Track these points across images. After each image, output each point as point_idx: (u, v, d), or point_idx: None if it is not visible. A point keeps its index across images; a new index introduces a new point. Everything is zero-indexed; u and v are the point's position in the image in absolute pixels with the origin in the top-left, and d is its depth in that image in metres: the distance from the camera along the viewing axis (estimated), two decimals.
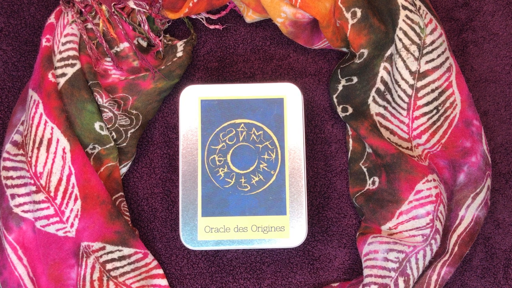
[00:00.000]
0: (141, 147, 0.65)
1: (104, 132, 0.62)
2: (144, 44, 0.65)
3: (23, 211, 0.61)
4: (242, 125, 0.62)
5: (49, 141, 0.61)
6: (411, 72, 0.62)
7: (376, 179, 0.63)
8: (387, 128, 0.64)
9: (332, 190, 0.65)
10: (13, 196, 0.61)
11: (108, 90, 0.63)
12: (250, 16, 0.65)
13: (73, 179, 0.61)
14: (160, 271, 0.63)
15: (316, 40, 0.65)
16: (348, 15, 0.61)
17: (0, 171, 0.62)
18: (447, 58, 0.62)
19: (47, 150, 0.60)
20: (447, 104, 0.63)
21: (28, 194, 0.61)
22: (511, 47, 0.67)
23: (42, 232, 0.60)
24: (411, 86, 0.62)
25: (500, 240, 0.64)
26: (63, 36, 0.62)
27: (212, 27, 0.66)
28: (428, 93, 0.62)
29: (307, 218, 0.61)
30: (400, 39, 0.61)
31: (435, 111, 0.62)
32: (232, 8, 0.66)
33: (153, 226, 0.64)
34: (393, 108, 0.63)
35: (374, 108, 0.64)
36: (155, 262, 0.63)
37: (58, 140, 0.61)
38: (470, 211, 0.62)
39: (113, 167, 0.63)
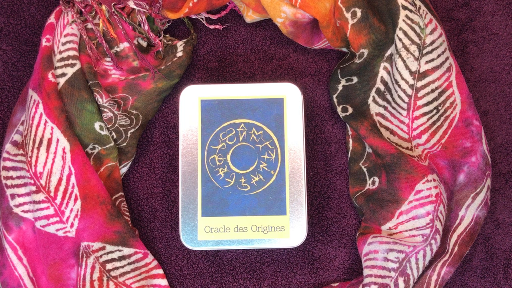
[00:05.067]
0: (141, 147, 0.65)
1: (104, 132, 0.62)
2: (144, 44, 0.65)
3: (23, 211, 0.61)
4: (242, 125, 0.62)
5: (49, 141, 0.61)
6: (411, 72, 0.62)
7: (376, 179, 0.63)
8: (387, 128, 0.64)
9: (332, 190, 0.65)
10: (13, 196, 0.61)
11: (108, 90, 0.63)
12: (250, 16, 0.65)
13: (73, 179, 0.61)
14: (160, 271, 0.63)
15: (316, 40, 0.65)
16: (348, 15, 0.61)
17: (0, 171, 0.62)
18: (447, 58, 0.62)
19: (47, 150, 0.60)
20: (447, 104, 0.63)
21: (28, 194, 0.61)
22: (511, 47, 0.67)
23: (42, 232, 0.60)
24: (411, 86, 0.62)
25: (500, 240, 0.64)
26: (63, 36, 0.62)
27: (212, 27, 0.66)
28: (428, 93, 0.62)
29: (307, 218, 0.61)
30: (400, 39, 0.61)
31: (435, 111, 0.62)
32: (232, 8, 0.66)
33: (153, 226, 0.64)
34: (393, 108, 0.63)
35: (374, 108, 0.64)
36: (155, 262, 0.63)
37: (58, 140, 0.61)
38: (470, 211, 0.62)
39: (113, 167, 0.63)
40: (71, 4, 0.63)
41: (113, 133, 0.63)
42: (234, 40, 0.67)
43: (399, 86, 0.62)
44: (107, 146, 0.63)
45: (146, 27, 0.64)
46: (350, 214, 0.65)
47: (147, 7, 0.63)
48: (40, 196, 0.60)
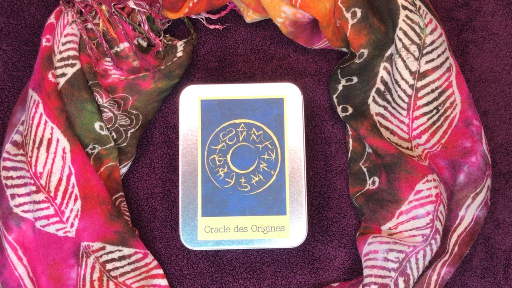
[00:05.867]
0: (141, 147, 0.65)
1: (104, 132, 0.62)
2: (144, 44, 0.65)
3: (23, 211, 0.61)
4: (242, 125, 0.62)
5: (49, 141, 0.61)
6: (411, 72, 0.62)
7: (376, 179, 0.63)
8: (387, 128, 0.64)
9: (332, 190, 0.65)
10: (13, 196, 0.61)
11: (108, 90, 0.63)
12: (250, 16, 0.65)
13: (73, 179, 0.61)
14: (160, 271, 0.63)
15: (316, 40, 0.65)
16: (348, 15, 0.61)
17: (0, 171, 0.62)
18: (447, 58, 0.62)
19: (47, 150, 0.60)
20: (447, 104, 0.63)
21: (28, 194, 0.61)
22: (511, 47, 0.67)
23: (42, 232, 0.60)
24: (411, 86, 0.62)
25: (500, 240, 0.64)
26: (63, 36, 0.62)
27: (212, 27, 0.66)
28: (428, 93, 0.62)
29: (307, 218, 0.61)
30: (400, 39, 0.61)
31: (435, 111, 0.62)
32: (232, 8, 0.66)
33: (153, 226, 0.64)
34: (393, 108, 0.63)
35: (374, 108, 0.64)
36: (155, 262, 0.63)
37: (58, 140, 0.61)
38: (470, 211, 0.62)
39: (113, 167, 0.63)
40: (71, 4, 0.63)
41: (113, 133, 0.63)
42: (234, 40, 0.67)
43: (399, 86, 0.62)
44: (107, 146, 0.63)
45: (146, 27, 0.64)
46: (350, 214, 0.65)
47: (147, 7, 0.63)
48: (40, 196, 0.60)
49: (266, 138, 0.62)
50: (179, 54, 0.64)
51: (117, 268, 0.61)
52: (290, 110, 0.62)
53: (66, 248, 0.61)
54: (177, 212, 0.65)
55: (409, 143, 0.63)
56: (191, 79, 0.66)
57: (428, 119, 0.62)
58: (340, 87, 0.65)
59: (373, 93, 0.64)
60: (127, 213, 0.63)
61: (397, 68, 0.62)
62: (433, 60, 0.62)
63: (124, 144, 0.64)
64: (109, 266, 0.61)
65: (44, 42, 0.62)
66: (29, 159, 0.61)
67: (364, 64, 0.63)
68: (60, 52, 0.62)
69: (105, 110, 0.62)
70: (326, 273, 0.64)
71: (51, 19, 0.63)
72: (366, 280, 0.60)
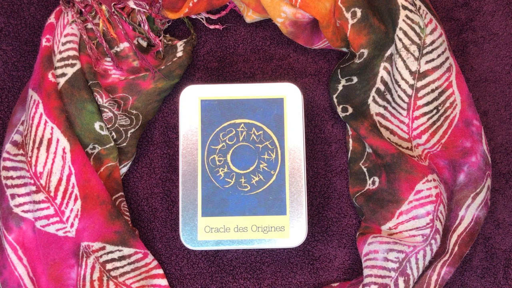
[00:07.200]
0: (141, 147, 0.65)
1: (104, 132, 0.62)
2: (144, 44, 0.65)
3: (23, 211, 0.61)
4: (242, 125, 0.62)
5: (49, 141, 0.61)
6: (411, 72, 0.62)
7: (376, 179, 0.63)
8: (387, 128, 0.64)
9: (332, 190, 0.65)
10: (13, 196, 0.61)
11: (108, 90, 0.63)
12: (250, 16, 0.65)
13: (73, 179, 0.61)
14: (160, 271, 0.63)
15: (316, 40, 0.65)
16: (348, 15, 0.61)
17: (0, 171, 0.62)
18: (447, 58, 0.62)
19: (47, 150, 0.60)
20: (447, 104, 0.63)
21: (28, 194, 0.61)
22: (511, 47, 0.67)
23: (42, 232, 0.60)
24: (411, 86, 0.62)
25: (500, 240, 0.64)
26: (63, 36, 0.62)
27: (212, 27, 0.66)
28: (428, 93, 0.62)
29: (307, 218, 0.61)
30: (400, 39, 0.61)
31: (435, 111, 0.62)
32: (232, 8, 0.66)
33: (153, 226, 0.64)
34: (393, 108, 0.63)
35: (374, 108, 0.64)
36: (155, 262, 0.63)
37: (58, 140, 0.61)
38: (470, 211, 0.62)
39: (113, 167, 0.63)
40: (71, 4, 0.63)
41: (113, 133, 0.63)
42: (234, 40, 0.67)
43: (399, 86, 0.62)
44: (107, 146, 0.63)
45: (146, 27, 0.64)
46: (350, 214, 0.65)
47: (147, 7, 0.63)
48: (40, 196, 0.60)
49: (266, 138, 0.62)
50: (179, 54, 0.64)
51: (117, 268, 0.61)
52: (290, 110, 0.62)
53: (66, 248, 0.61)
54: (177, 212, 0.65)
55: (409, 143, 0.63)
56: (191, 79, 0.66)
57: (428, 119, 0.62)
58: (340, 87, 0.65)
59: (373, 93, 0.64)
60: (127, 213, 0.63)
61: (397, 68, 0.62)
62: (433, 60, 0.62)
63: (124, 144, 0.64)
64: (109, 266, 0.61)
65: (44, 42, 0.62)
66: (29, 159, 0.61)
67: (364, 64, 0.63)
68: (60, 52, 0.62)
69: (105, 110, 0.62)
70: (326, 273, 0.64)
71: (51, 19, 0.63)
72: (366, 280, 0.60)
